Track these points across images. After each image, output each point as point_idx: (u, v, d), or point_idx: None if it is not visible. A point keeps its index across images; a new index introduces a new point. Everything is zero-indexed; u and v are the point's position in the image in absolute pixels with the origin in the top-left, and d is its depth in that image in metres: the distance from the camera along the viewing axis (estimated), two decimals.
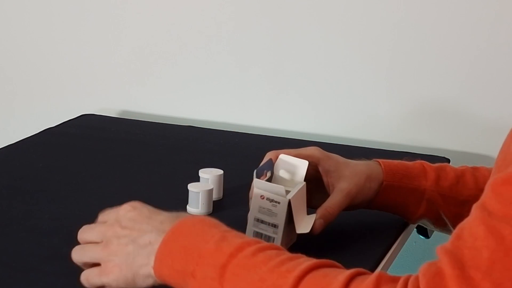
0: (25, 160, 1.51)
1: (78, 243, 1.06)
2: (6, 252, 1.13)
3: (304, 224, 1.06)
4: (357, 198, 1.11)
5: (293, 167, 1.08)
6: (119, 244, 0.91)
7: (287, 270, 0.78)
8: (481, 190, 1.11)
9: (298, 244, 1.06)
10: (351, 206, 1.12)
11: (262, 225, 1.04)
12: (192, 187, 1.25)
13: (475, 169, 1.17)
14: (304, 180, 1.08)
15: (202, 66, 1.82)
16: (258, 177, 1.05)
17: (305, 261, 0.79)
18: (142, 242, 0.89)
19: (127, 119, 1.83)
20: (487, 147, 1.65)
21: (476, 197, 1.11)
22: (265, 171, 1.07)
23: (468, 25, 1.62)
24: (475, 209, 0.73)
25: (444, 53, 1.64)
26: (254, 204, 1.05)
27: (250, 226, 1.05)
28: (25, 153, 1.56)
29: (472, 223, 0.72)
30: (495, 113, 1.64)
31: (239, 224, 0.99)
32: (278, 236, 1.03)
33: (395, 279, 0.74)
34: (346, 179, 1.10)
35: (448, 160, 1.58)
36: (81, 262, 0.96)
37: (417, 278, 0.72)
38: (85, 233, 0.96)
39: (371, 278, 0.75)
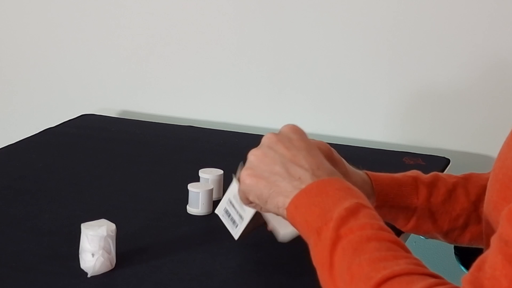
0: (25, 160, 1.51)
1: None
2: (6, 252, 1.13)
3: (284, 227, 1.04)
4: None
5: None
6: (267, 157, 0.91)
7: (384, 267, 0.78)
8: (473, 203, 1.11)
9: (298, 243, 1.06)
10: None
11: (233, 209, 1.06)
12: (192, 187, 1.25)
13: (466, 179, 1.15)
14: None
15: (202, 66, 1.82)
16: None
17: (405, 264, 0.79)
18: (293, 172, 0.89)
19: (127, 119, 1.83)
20: (487, 147, 1.65)
21: (468, 210, 1.11)
22: None
23: (468, 26, 1.62)
24: (493, 241, 0.74)
25: (444, 53, 1.65)
26: (233, 187, 1.05)
27: (224, 201, 1.07)
28: (25, 153, 1.56)
29: (491, 255, 0.73)
30: (495, 113, 1.64)
31: None
32: (240, 226, 1.05)
33: None
34: None
35: (448, 160, 1.58)
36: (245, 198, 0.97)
37: None
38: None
39: None
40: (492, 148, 1.64)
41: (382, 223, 0.85)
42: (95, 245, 1.05)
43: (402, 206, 1.11)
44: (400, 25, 1.65)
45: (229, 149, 1.61)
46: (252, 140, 1.65)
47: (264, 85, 1.78)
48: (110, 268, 1.07)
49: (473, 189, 1.12)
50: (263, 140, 0.94)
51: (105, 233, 1.05)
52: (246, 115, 1.81)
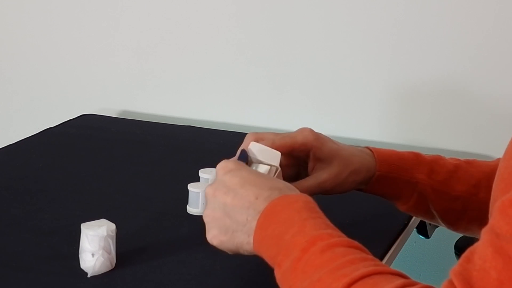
0: (25, 160, 1.51)
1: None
2: (6, 252, 1.13)
3: None
4: (333, 190, 1.10)
5: (266, 156, 1.06)
6: (215, 213, 0.94)
7: (343, 275, 0.79)
8: (473, 186, 1.12)
9: None
10: (331, 194, 1.11)
11: None
12: (192, 187, 1.25)
13: (468, 163, 1.16)
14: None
15: (202, 66, 1.82)
16: None
17: (363, 267, 0.80)
18: (239, 219, 0.92)
19: (127, 119, 1.83)
20: (487, 147, 1.65)
21: (468, 193, 1.12)
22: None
23: (467, 28, 1.62)
24: (484, 233, 0.74)
25: (444, 53, 1.64)
26: None
27: None
28: (25, 153, 1.56)
29: (481, 246, 0.73)
30: (495, 113, 1.64)
31: None
32: None
33: None
34: (329, 169, 1.09)
35: None
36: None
37: None
38: None
39: None
40: (492, 148, 1.64)
41: (330, 230, 0.86)
42: (95, 245, 1.05)
43: (403, 179, 1.12)
44: (400, 25, 1.65)
45: (229, 149, 1.60)
46: None
47: (264, 85, 1.78)
48: (110, 268, 1.07)
49: (475, 173, 1.13)
50: (206, 197, 0.96)
51: (105, 233, 1.05)
52: (246, 115, 1.81)
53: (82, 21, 1.89)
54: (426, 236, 1.41)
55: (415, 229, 1.35)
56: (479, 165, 1.15)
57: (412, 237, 1.34)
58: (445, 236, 1.39)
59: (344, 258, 0.81)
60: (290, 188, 0.94)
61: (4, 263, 1.10)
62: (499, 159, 1.20)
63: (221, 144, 1.64)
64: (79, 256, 1.06)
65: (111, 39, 1.89)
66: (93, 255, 1.05)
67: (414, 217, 1.31)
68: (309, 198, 0.91)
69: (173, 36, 1.83)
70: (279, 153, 1.05)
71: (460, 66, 1.64)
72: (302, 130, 1.10)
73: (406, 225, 1.27)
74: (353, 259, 0.81)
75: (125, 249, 1.11)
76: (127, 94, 1.90)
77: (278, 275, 0.86)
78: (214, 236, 0.95)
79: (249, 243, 0.91)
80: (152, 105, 1.88)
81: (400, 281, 0.77)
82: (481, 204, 0.83)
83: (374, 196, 1.29)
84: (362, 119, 1.72)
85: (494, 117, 1.63)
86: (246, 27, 1.77)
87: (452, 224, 1.15)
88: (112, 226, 1.07)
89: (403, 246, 1.26)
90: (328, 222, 0.88)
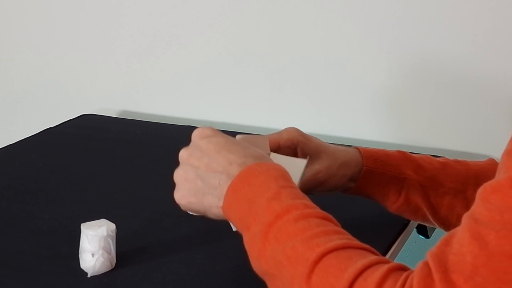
0: (25, 160, 1.51)
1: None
2: (6, 252, 1.13)
3: None
4: (327, 183, 1.11)
5: (256, 143, 1.07)
6: (187, 174, 0.95)
7: (317, 244, 0.79)
8: (461, 184, 1.12)
9: None
10: (323, 190, 1.12)
11: None
12: None
13: (457, 162, 1.17)
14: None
15: (202, 66, 1.82)
16: None
17: (338, 239, 0.80)
18: (211, 183, 0.92)
19: (127, 119, 1.83)
20: (487, 147, 1.65)
21: (456, 190, 1.12)
22: None
23: (466, 27, 1.62)
24: (464, 218, 0.74)
25: (444, 53, 1.64)
26: None
27: None
28: (25, 153, 1.56)
29: (460, 231, 0.73)
30: (495, 113, 1.63)
31: None
32: None
33: (402, 273, 0.75)
34: (319, 161, 1.10)
35: None
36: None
37: (412, 277, 0.73)
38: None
39: (383, 268, 0.76)
40: (492, 148, 1.64)
41: (306, 201, 0.87)
42: (95, 245, 1.05)
43: (391, 174, 1.13)
44: (400, 25, 1.65)
45: None
46: None
47: (264, 85, 1.78)
48: (110, 268, 1.07)
49: (463, 171, 1.14)
50: (179, 158, 0.98)
51: (105, 233, 1.05)
52: (246, 115, 1.81)
53: (82, 21, 1.89)
54: (426, 236, 1.41)
55: (415, 229, 1.35)
56: (468, 164, 1.16)
57: (412, 237, 1.34)
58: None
59: (318, 228, 0.82)
60: (265, 158, 0.95)
61: (4, 263, 1.10)
62: (490, 159, 1.21)
63: None
64: (79, 256, 1.07)
65: (111, 39, 1.89)
66: (93, 255, 1.05)
67: None
68: (285, 169, 0.92)
69: (173, 36, 1.83)
70: (266, 137, 1.07)
71: (459, 66, 1.64)
72: (287, 128, 1.12)
73: (406, 225, 1.27)
74: (327, 230, 0.82)
75: (125, 249, 1.11)
76: (127, 94, 1.90)
77: (246, 237, 0.87)
78: (182, 196, 0.96)
79: (218, 206, 0.92)
80: (152, 105, 1.88)
81: (374, 257, 0.78)
82: (469, 202, 0.83)
83: None
84: (361, 119, 1.72)
85: (493, 117, 1.63)
86: (246, 27, 1.77)
87: (443, 222, 1.15)
88: (112, 226, 1.07)
89: (403, 246, 1.26)
90: (303, 194, 0.89)
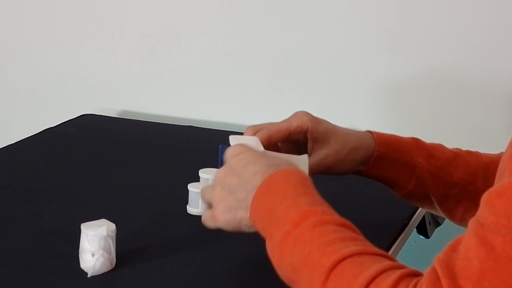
0: (25, 160, 1.51)
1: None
2: (6, 252, 1.13)
3: None
4: (336, 167, 1.11)
5: (247, 143, 1.07)
6: (222, 193, 0.96)
7: (333, 251, 0.80)
8: (471, 175, 1.12)
9: None
10: (332, 174, 1.12)
11: None
12: (192, 187, 1.25)
13: (469, 153, 1.16)
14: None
15: (202, 66, 1.82)
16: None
17: (354, 245, 0.81)
18: (239, 197, 0.93)
19: (127, 119, 1.83)
20: (487, 147, 1.65)
21: (466, 181, 1.12)
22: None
23: (468, 24, 1.62)
24: (470, 223, 0.74)
25: (444, 53, 1.64)
26: None
27: None
28: (25, 153, 1.56)
29: (466, 236, 0.74)
30: (495, 113, 1.64)
31: None
32: None
33: (413, 279, 0.75)
34: (328, 146, 1.10)
35: None
36: (206, 200, 1.01)
37: (422, 283, 0.74)
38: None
39: (396, 274, 0.76)
40: (492, 148, 1.64)
41: (324, 207, 0.87)
42: (95, 245, 1.05)
43: (402, 161, 1.12)
44: (401, 25, 1.65)
45: None
46: None
47: (264, 85, 1.78)
48: (110, 268, 1.07)
49: (473, 163, 1.13)
50: (215, 178, 0.99)
51: (105, 233, 1.05)
52: (246, 115, 1.80)
53: (83, 21, 1.89)
54: (426, 236, 1.41)
55: (415, 229, 1.35)
56: (479, 156, 1.16)
57: (412, 237, 1.34)
58: (445, 236, 1.39)
59: (335, 235, 0.82)
60: (288, 164, 0.95)
61: (4, 263, 1.10)
62: (502, 152, 1.21)
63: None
64: (79, 256, 1.06)
65: (112, 39, 1.89)
66: (93, 255, 1.05)
67: (414, 217, 1.31)
68: (305, 175, 0.92)
69: (173, 36, 1.83)
70: (256, 138, 1.07)
71: (458, 62, 1.64)
72: (296, 113, 1.13)
73: (406, 225, 1.27)
74: (344, 237, 0.82)
75: (125, 249, 1.11)
76: (127, 94, 1.90)
77: (269, 246, 0.87)
78: (219, 214, 0.96)
79: (247, 218, 0.93)
80: (152, 105, 1.88)
81: (388, 262, 0.78)
82: (478, 194, 0.83)
83: (375, 196, 1.29)
84: (361, 119, 1.72)
85: (492, 113, 1.63)
86: (246, 27, 1.77)
87: (449, 212, 1.15)
88: (112, 226, 1.07)
89: (403, 246, 1.26)
90: (322, 199, 0.89)
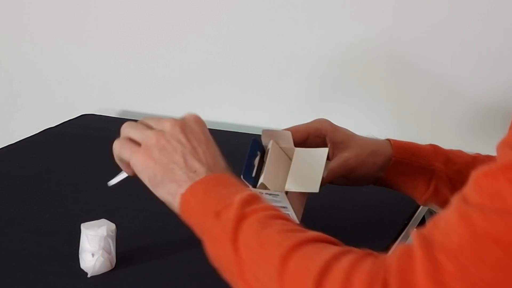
0: (25, 160, 1.51)
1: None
2: (6, 252, 1.13)
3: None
4: (357, 170, 1.12)
5: (279, 137, 1.10)
6: (169, 144, 0.94)
7: (294, 236, 0.80)
8: None
9: None
10: (354, 179, 1.13)
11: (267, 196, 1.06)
12: None
13: (488, 157, 1.16)
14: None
15: (202, 66, 1.82)
16: (251, 164, 1.09)
17: (312, 233, 0.81)
18: (191, 164, 0.92)
19: (127, 119, 1.83)
20: (487, 147, 1.65)
21: None
22: (253, 159, 1.10)
23: (467, 24, 1.62)
24: (454, 199, 0.74)
25: (445, 53, 1.65)
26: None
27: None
28: (25, 153, 1.56)
29: (448, 211, 0.74)
30: (496, 113, 1.63)
31: None
32: (291, 213, 1.06)
33: (375, 258, 0.75)
34: (348, 150, 1.12)
35: None
36: (118, 157, 1.01)
37: (389, 257, 0.74)
38: (128, 129, 1.01)
39: (355, 254, 0.76)
40: (492, 148, 1.64)
41: (282, 212, 0.87)
42: (95, 245, 1.05)
43: (419, 166, 1.13)
44: (401, 24, 1.65)
45: (229, 149, 1.60)
46: None
47: (264, 85, 1.78)
48: (110, 268, 1.07)
49: None
50: (166, 125, 0.97)
51: (105, 233, 1.05)
52: (246, 115, 1.81)
53: (83, 21, 1.89)
54: None
55: (415, 229, 1.35)
56: None
57: None
58: None
59: (295, 226, 0.83)
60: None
61: (4, 263, 1.10)
62: None
63: (221, 144, 1.64)
64: (79, 256, 1.07)
65: (112, 40, 1.89)
66: (93, 255, 1.05)
67: (414, 217, 1.31)
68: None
69: (173, 36, 1.83)
70: (289, 132, 1.09)
71: (457, 64, 1.64)
72: (317, 119, 1.15)
73: (406, 225, 1.27)
74: (303, 229, 0.82)
75: (125, 249, 1.11)
76: (127, 94, 1.90)
77: (213, 223, 0.86)
78: (149, 156, 0.95)
79: (181, 185, 0.91)
80: (152, 105, 1.88)
81: (347, 247, 0.79)
82: None
83: (375, 196, 1.29)
84: (361, 119, 1.72)
85: (492, 114, 1.63)
86: (246, 27, 1.77)
87: None
88: (112, 226, 1.07)
89: None
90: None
